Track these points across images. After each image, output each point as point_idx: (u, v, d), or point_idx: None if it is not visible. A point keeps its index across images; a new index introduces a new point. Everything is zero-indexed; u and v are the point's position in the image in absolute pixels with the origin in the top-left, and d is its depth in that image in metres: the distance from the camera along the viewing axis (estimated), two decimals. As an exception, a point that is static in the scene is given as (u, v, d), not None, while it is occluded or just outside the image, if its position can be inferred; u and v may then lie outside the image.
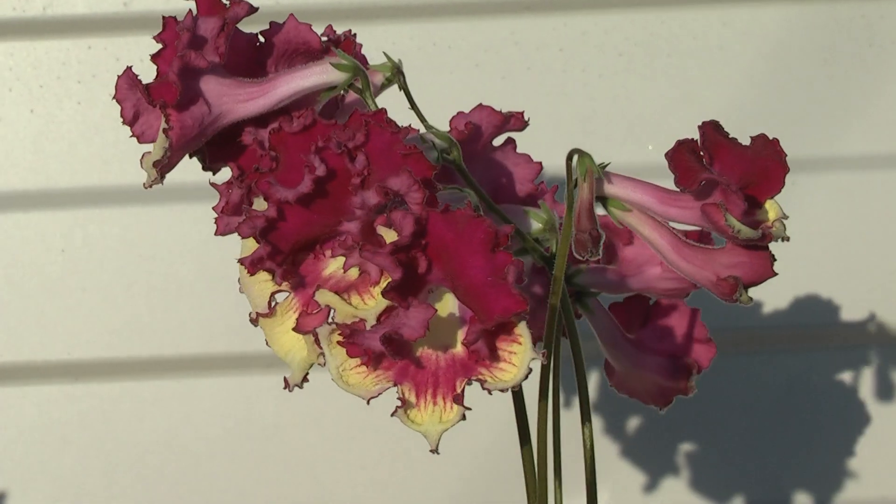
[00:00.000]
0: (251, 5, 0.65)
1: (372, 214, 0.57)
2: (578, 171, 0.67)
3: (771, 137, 0.64)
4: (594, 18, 1.08)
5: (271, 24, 0.68)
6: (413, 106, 0.69)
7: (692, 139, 0.65)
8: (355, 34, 0.70)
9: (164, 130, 0.62)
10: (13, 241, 1.05)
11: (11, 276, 1.05)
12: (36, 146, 1.04)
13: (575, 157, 0.66)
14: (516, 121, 0.72)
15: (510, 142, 0.73)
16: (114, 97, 0.65)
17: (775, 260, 0.65)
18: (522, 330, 0.56)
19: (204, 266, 1.02)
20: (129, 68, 0.64)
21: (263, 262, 0.58)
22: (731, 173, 0.65)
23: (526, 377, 0.58)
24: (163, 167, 0.63)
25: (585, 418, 0.73)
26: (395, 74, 0.69)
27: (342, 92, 0.68)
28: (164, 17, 0.66)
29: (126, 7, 1.03)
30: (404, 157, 0.58)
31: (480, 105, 0.72)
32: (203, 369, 1.06)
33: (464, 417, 0.58)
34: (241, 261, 0.60)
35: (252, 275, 0.60)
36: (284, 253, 0.58)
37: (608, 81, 1.07)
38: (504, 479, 1.08)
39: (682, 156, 0.64)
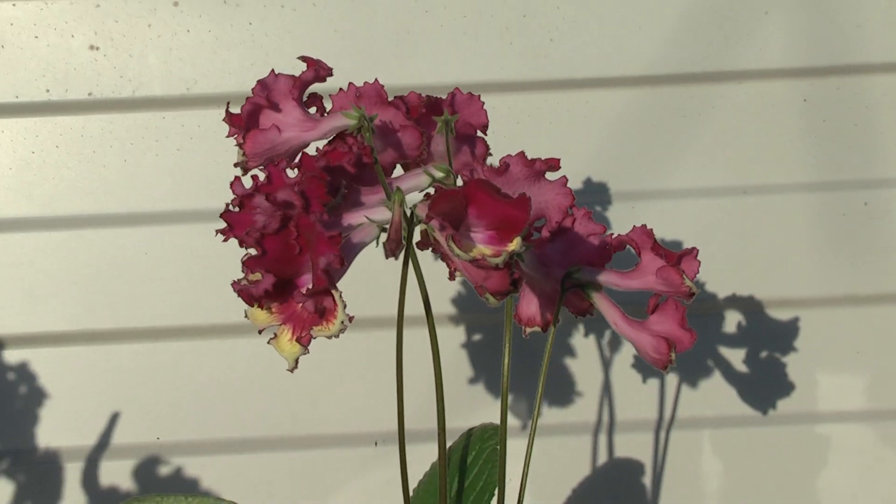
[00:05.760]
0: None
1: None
2: (396, 197, 0.68)
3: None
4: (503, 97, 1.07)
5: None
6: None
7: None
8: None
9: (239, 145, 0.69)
10: (112, 247, 1.12)
11: (112, 270, 1.13)
12: (129, 184, 1.12)
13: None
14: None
15: None
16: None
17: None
18: (336, 296, 0.60)
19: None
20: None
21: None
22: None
23: (342, 331, 0.61)
24: None
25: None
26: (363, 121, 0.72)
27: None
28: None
29: (188, 91, 1.10)
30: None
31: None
32: (242, 332, 1.12)
33: (307, 351, 0.63)
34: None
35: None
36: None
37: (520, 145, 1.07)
38: (461, 397, 1.13)
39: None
